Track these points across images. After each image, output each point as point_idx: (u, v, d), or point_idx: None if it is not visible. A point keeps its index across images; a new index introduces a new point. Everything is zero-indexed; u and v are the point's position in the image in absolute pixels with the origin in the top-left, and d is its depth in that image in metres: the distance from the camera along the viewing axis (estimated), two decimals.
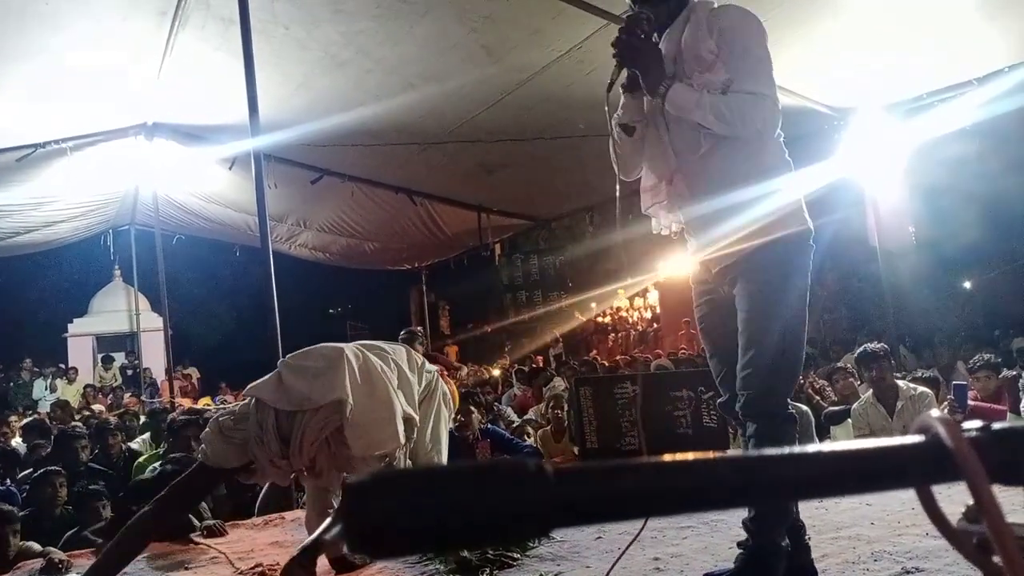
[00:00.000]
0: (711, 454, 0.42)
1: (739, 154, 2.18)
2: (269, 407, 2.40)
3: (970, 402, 4.33)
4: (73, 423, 6.77)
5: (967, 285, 12.44)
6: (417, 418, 2.72)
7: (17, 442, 7.15)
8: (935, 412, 0.47)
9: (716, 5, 2.23)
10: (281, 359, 2.60)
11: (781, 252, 2.19)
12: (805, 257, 2.23)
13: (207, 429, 2.57)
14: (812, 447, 0.43)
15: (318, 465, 2.43)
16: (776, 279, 2.17)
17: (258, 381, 2.51)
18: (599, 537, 2.91)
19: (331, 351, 2.54)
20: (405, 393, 2.69)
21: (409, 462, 2.69)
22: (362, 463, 2.40)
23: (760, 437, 2.13)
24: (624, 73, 2.19)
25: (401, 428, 2.49)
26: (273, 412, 2.39)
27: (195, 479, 2.57)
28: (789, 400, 2.27)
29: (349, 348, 2.57)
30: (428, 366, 3.02)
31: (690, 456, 0.40)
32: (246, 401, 2.55)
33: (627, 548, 2.27)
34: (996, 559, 0.44)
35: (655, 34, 2.22)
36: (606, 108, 2.26)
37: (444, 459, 2.99)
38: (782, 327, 2.15)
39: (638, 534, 2.22)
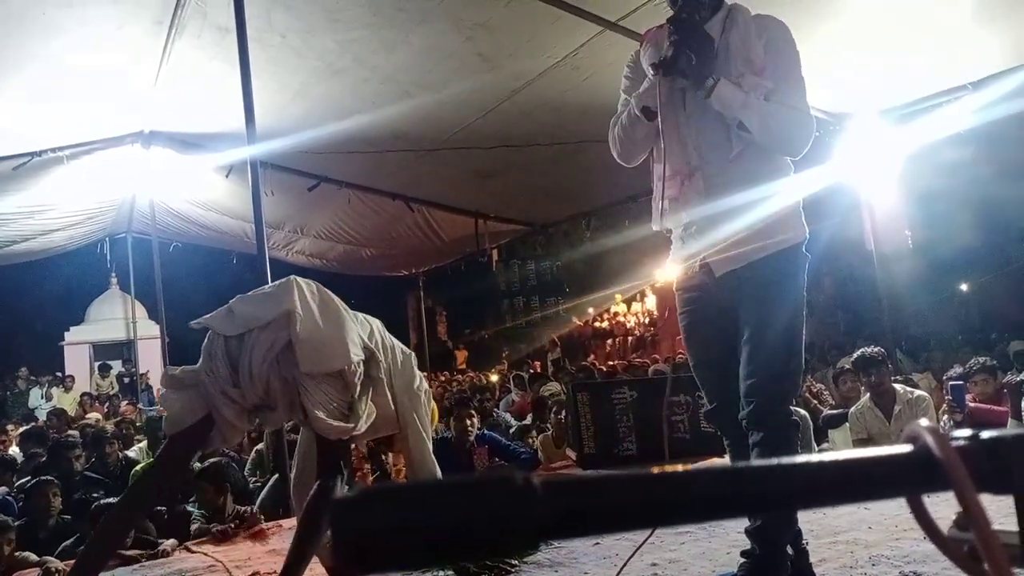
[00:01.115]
0: (700, 466, 0.42)
1: (764, 160, 2.18)
2: (219, 335, 2.37)
3: (970, 404, 4.32)
4: (68, 432, 6.75)
5: (963, 288, 12.48)
6: (382, 359, 2.59)
7: (15, 451, 7.13)
8: (924, 421, 0.48)
9: (752, 12, 2.23)
10: None
11: (787, 259, 2.18)
12: (805, 263, 2.24)
13: (161, 390, 2.51)
14: (801, 458, 0.43)
15: (271, 394, 2.35)
16: (783, 286, 2.17)
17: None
18: (597, 543, 2.91)
19: (282, 280, 2.50)
20: (364, 334, 2.59)
21: (373, 406, 2.54)
22: (315, 386, 2.31)
23: (766, 445, 2.11)
24: (668, 53, 2.12)
25: (355, 349, 2.40)
26: (223, 339, 2.35)
27: (160, 458, 2.52)
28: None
29: (297, 278, 2.51)
30: (402, 346, 2.89)
31: (679, 468, 0.40)
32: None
33: (627, 561, 2.27)
34: (986, 566, 0.44)
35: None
36: (657, 88, 2.18)
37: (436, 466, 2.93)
38: (789, 334, 2.15)
39: (640, 545, 2.22)
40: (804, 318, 2.21)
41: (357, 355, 2.42)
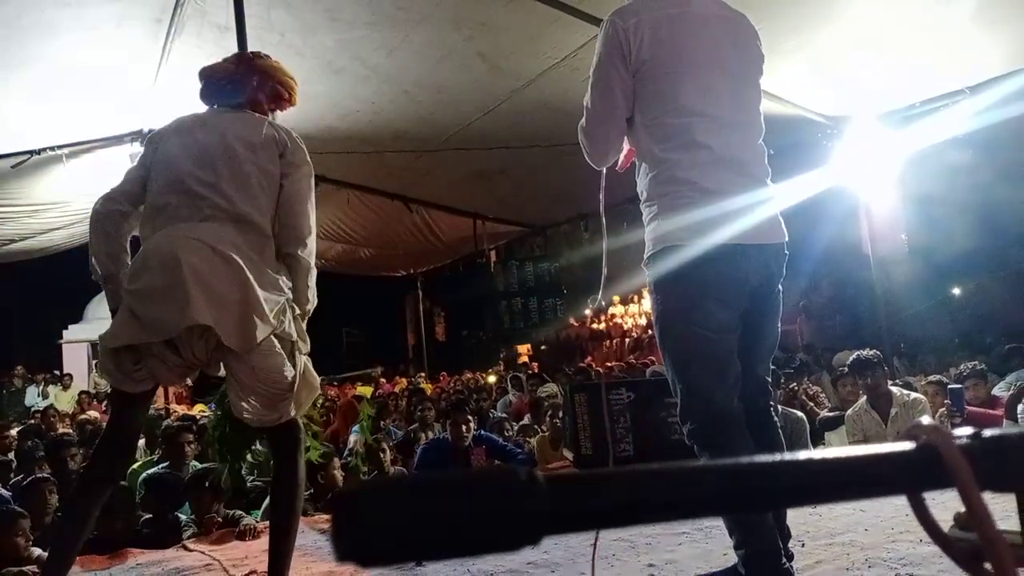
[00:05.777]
0: (701, 462, 0.42)
1: (644, 167, 2.30)
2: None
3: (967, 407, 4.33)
4: (62, 431, 6.72)
5: (959, 292, 12.50)
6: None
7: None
8: (926, 419, 0.48)
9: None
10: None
11: (652, 271, 2.22)
12: (664, 279, 2.17)
13: (97, 372, 2.46)
14: (803, 454, 0.43)
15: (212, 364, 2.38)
16: (655, 297, 2.22)
17: (106, 330, 2.28)
18: (593, 543, 2.90)
19: (165, 263, 2.23)
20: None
21: (315, 376, 2.47)
22: (245, 368, 2.25)
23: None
24: None
25: (266, 306, 2.24)
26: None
27: (110, 423, 2.43)
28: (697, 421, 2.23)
29: (184, 248, 2.24)
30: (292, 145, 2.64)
31: (681, 464, 0.40)
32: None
33: None
34: (987, 566, 0.44)
35: None
36: None
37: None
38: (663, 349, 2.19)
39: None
40: (675, 334, 2.14)
41: (274, 300, 2.31)
